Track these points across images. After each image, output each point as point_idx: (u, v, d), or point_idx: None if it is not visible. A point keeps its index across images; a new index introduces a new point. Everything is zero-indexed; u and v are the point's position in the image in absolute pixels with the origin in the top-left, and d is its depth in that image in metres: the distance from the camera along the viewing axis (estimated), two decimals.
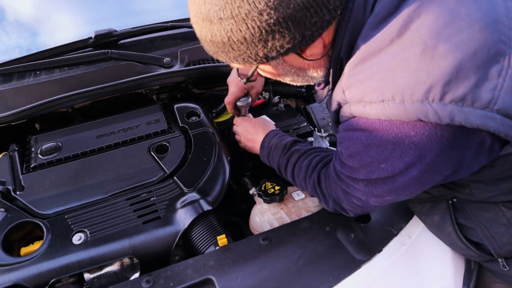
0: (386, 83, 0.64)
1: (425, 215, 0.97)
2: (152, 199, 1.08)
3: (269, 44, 0.68)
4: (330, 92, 0.83)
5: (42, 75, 1.38)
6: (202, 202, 1.06)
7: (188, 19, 1.60)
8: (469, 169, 0.73)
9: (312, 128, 1.31)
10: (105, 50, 1.37)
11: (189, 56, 1.45)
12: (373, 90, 0.65)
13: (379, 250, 0.91)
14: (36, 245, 0.98)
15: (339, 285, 0.85)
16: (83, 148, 1.21)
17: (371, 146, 0.70)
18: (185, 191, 1.09)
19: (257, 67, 0.82)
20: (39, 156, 1.19)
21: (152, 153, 1.19)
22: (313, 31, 0.68)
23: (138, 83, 1.35)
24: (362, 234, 0.95)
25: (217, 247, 0.98)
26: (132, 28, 1.47)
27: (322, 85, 0.90)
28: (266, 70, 0.85)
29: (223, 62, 1.46)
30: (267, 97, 1.43)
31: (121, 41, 1.48)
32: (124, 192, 1.10)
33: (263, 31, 0.66)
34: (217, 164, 1.17)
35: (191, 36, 1.54)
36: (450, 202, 0.90)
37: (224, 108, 1.44)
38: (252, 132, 1.21)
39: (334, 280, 0.86)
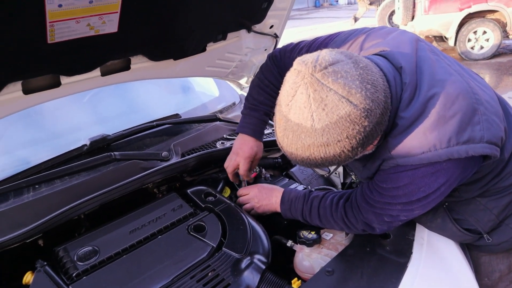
0: (422, 141, 0.97)
1: (429, 221, 1.33)
2: (210, 273, 1.17)
3: (366, 145, 0.94)
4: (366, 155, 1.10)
5: (43, 188, 1.36)
6: (259, 259, 1.21)
7: (169, 117, 1.79)
8: (467, 178, 1.11)
9: (305, 186, 1.61)
10: (109, 153, 1.45)
11: (181, 147, 1.63)
12: (415, 147, 0.98)
13: (411, 252, 1.22)
14: None
15: (402, 282, 1.11)
16: (121, 245, 1.23)
17: (416, 178, 1.03)
18: (239, 256, 1.22)
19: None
20: (78, 263, 1.16)
21: (192, 233, 1.29)
22: (385, 125, 0.97)
23: (146, 178, 1.45)
24: (392, 246, 1.26)
25: None
26: (123, 130, 1.59)
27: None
28: None
29: (213, 148, 1.69)
30: (257, 170, 1.68)
31: (113, 144, 1.57)
32: (185, 272, 1.16)
33: (365, 139, 0.92)
34: (253, 228, 1.34)
35: (173, 132, 1.74)
36: (444, 206, 1.30)
37: (222, 188, 1.62)
38: (267, 195, 1.44)
39: (397, 280, 1.12)
